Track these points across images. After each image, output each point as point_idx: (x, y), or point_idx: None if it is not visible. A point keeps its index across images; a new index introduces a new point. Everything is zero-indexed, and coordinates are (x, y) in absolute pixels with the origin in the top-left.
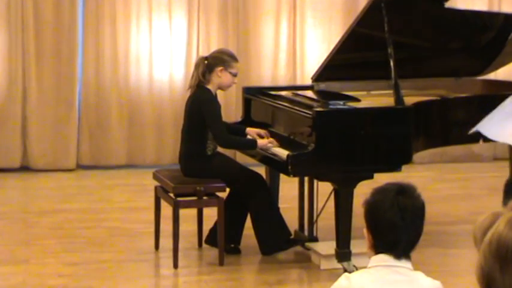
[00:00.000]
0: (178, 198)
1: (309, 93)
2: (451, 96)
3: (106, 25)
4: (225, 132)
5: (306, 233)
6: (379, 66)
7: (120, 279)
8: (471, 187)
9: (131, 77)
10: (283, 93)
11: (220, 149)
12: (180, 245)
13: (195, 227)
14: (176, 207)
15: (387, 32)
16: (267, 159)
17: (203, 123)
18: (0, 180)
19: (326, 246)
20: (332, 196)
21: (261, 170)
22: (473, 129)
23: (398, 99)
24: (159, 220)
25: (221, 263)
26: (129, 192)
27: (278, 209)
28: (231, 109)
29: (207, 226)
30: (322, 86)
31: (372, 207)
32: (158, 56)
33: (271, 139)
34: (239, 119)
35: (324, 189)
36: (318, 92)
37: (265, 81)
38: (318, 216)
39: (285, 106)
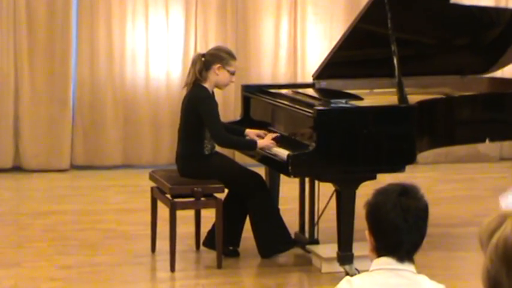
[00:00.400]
0: (175, 199)
1: (310, 92)
2: (456, 95)
3: (101, 21)
4: (223, 131)
5: (306, 235)
6: (382, 63)
7: (115, 283)
8: (477, 188)
9: (127, 74)
10: (284, 91)
11: (218, 149)
12: (177, 248)
13: (192, 229)
14: (173, 208)
15: (390, 29)
16: (267, 159)
17: (200, 122)
18: None
19: (327, 249)
20: (333, 197)
21: (261, 170)
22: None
23: (402, 97)
24: (156, 222)
25: (219, 266)
26: (125, 193)
27: (278, 210)
28: (229, 107)
29: (205, 228)
30: (324, 84)
31: (374, 209)
32: (155, 53)
33: (271, 135)
34: (238, 117)
35: (325, 190)
36: (319, 90)
37: (265, 79)
38: (319, 218)
39: (285, 105)
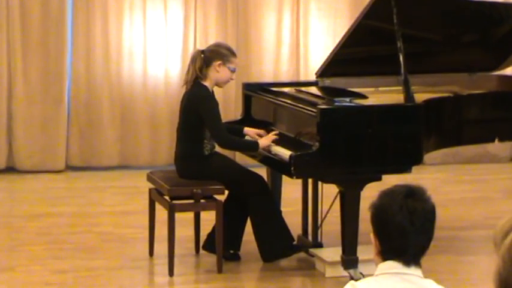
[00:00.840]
0: (174, 201)
1: (313, 90)
2: (464, 93)
3: (97, 17)
4: (225, 132)
5: (310, 238)
6: (388, 61)
7: (112, 287)
8: (486, 190)
9: (124, 72)
10: (286, 89)
11: (218, 149)
12: (176, 251)
13: (191, 232)
14: (172, 210)
15: (396, 25)
16: (269, 160)
17: (200, 121)
18: None
19: (331, 253)
20: (337, 199)
21: (262, 171)
22: None
23: (408, 96)
24: (154, 225)
25: (219, 270)
26: (122, 195)
27: (280, 212)
28: (230, 106)
29: (205, 231)
30: (327, 82)
31: (379, 211)
32: (153, 50)
33: (272, 134)
34: (238, 116)
35: (329, 192)
36: (322, 89)
37: (267, 77)
38: (322, 220)
39: (288, 103)
